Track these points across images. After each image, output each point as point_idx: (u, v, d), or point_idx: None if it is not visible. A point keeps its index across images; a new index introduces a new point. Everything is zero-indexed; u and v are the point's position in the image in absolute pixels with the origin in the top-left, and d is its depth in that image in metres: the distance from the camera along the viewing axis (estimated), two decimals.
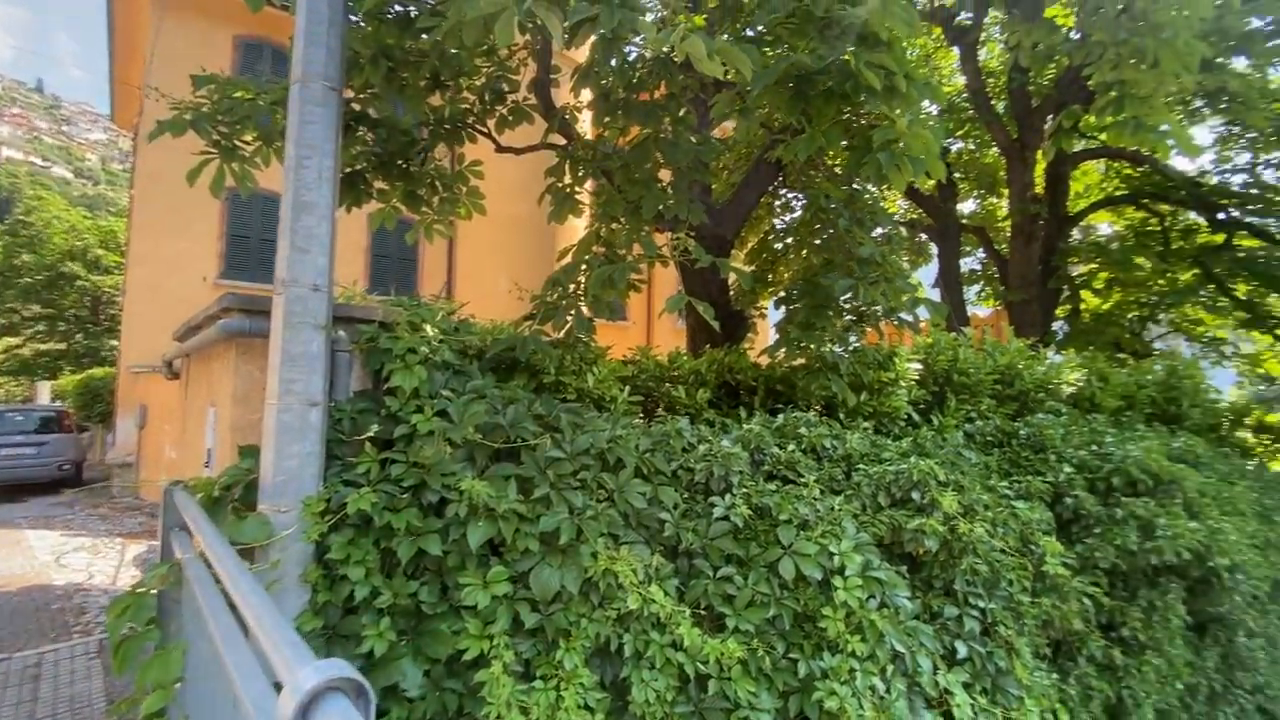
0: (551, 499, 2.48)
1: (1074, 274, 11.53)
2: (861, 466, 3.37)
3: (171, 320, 4.45)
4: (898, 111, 2.96)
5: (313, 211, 2.35)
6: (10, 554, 7.39)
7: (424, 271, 14.17)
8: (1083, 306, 12.07)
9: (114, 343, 20.25)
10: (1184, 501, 4.12)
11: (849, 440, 3.49)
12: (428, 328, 2.77)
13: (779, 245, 8.50)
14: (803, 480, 3.04)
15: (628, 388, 3.44)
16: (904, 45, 3.21)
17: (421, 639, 2.23)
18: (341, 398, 2.62)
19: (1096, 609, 3.55)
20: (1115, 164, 11.62)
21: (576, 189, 4.92)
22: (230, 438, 2.66)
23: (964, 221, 12.17)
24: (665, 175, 4.38)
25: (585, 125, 5.65)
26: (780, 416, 3.57)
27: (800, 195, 7.81)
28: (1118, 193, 11.73)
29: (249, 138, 4.01)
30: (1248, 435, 7.28)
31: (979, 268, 13.94)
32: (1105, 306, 12.18)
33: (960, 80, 11.28)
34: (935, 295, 10.45)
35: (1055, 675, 3.23)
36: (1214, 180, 10.51)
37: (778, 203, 9.28)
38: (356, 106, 4.25)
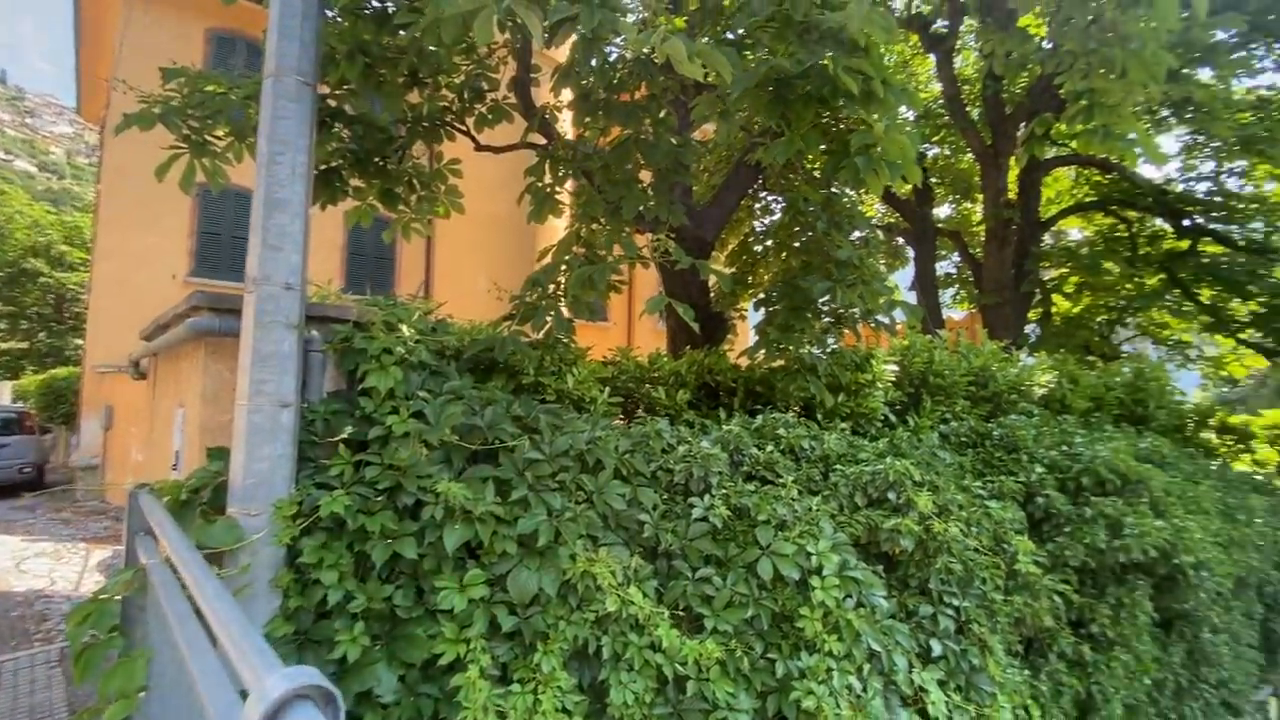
0: (530, 501, 2.46)
1: (1046, 278, 11.78)
2: (839, 467, 3.40)
3: (139, 319, 4.33)
4: (875, 116, 2.99)
5: (285, 209, 2.31)
6: None
7: (401, 270, 14.00)
8: (1054, 310, 12.34)
9: (79, 342, 19.73)
10: (1150, 501, 4.22)
11: (827, 441, 3.52)
12: (404, 327, 2.73)
13: (759, 247, 8.56)
14: (781, 481, 3.06)
15: (607, 389, 3.43)
16: (882, 51, 3.25)
17: (396, 643, 2.20)
18: (314, 399, 2.57)
19: (1067, 606, 3.61)
20: (1085, 171, 11.90)
21: (557, 189, 4.90)
22: (199, 439, 2.60)
23: (939, 226, 12.37)
24: (646, 176, 4.38)
25: (566, 125, 5.63)
26: (759, 417, 3.59)
27: (780, 198, 7.87)
28: (1088, 199, 12.01)
29: (221, 133, 3.93)
30: (1211, 436, 7.50)
31: (954, 271, 14.17)
32: (1075, 310, 12.47)
33: (936, 87, 11.47)
34: (911, 298, 10.61)
35: (1027, 672, 3.28)
36: (1179, 188, 10.82)
37: (758, 205, 9.34)
38: (333, 103, 4.19)
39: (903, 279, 12.37)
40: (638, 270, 5.20)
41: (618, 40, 3.71)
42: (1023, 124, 9.22)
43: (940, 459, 3.86)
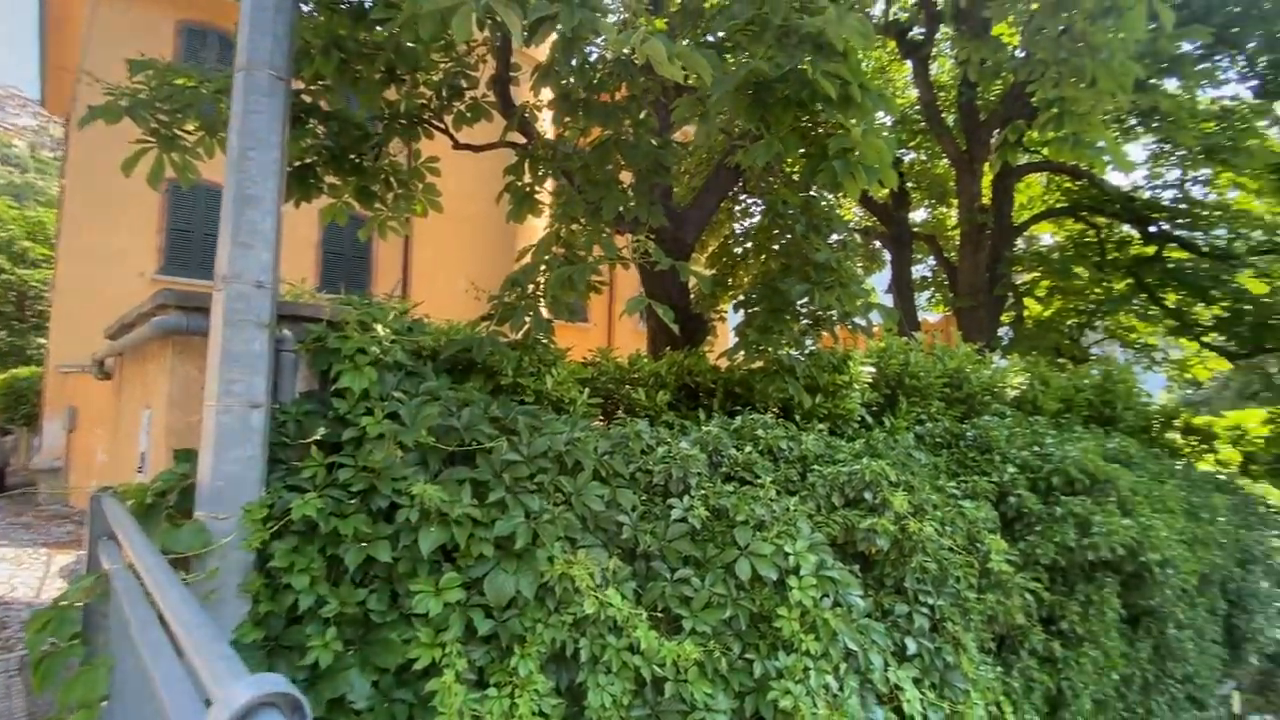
0: (507, 503, 2.44)
1: (1018, 282, 12.02)
2: (816, 467, 3.42)
3: (105, 317, 4.20)
4: (853, 121, 3.02)
5: (257, 205, 2.26)
6: None
7: (378, 269, 13.79)
8: (1026, 313, 12.59)
9: (41, 340, 19.12)
10: (1118, 500, 4.33)
11: (804, 442, 3.54)
12: (379, 327, 2.69)
13: (738, 250, 8.59)
14: (759, 481, 3.07)
15: (587, 390, 3.41)
16: (859, 56, 3.28)
17: (370, 648, 2.16)
18: (286, 399, 2.52)
19: (1038, 604, 3.69)
20: (1056, 177, 12.17)
21: (536, 188, 4.87)
22: (165, 441, 2.53)
23: (916, 230, 12.55)
24: (626, 177, 4.37)
25: (546, 124, 5.61)
26: (738, 418, 3.60)
27: (759, 201, 7.92)
28: (1058, 205, 12.29)
29: (191, 127, 3.84)
30: (1176, 436, 7.72)
31: (930, 275, 14.37)
32: (1047, 313, 12.73)
33: (913, 93, 11.64)
34: (888, 301, 10.74)
35: (999, 668, 3.34)
36: (1146, 195, 11.13)
37: (738, 208, 9.39)
38: (307, 98, 4.11)
39: (880, 282, 12.51)
40: (618, 271, 5.19)
41: (598, 40, 3.70)
42: (996, 131, 9.39)
43: (916, 459, 3.91)
